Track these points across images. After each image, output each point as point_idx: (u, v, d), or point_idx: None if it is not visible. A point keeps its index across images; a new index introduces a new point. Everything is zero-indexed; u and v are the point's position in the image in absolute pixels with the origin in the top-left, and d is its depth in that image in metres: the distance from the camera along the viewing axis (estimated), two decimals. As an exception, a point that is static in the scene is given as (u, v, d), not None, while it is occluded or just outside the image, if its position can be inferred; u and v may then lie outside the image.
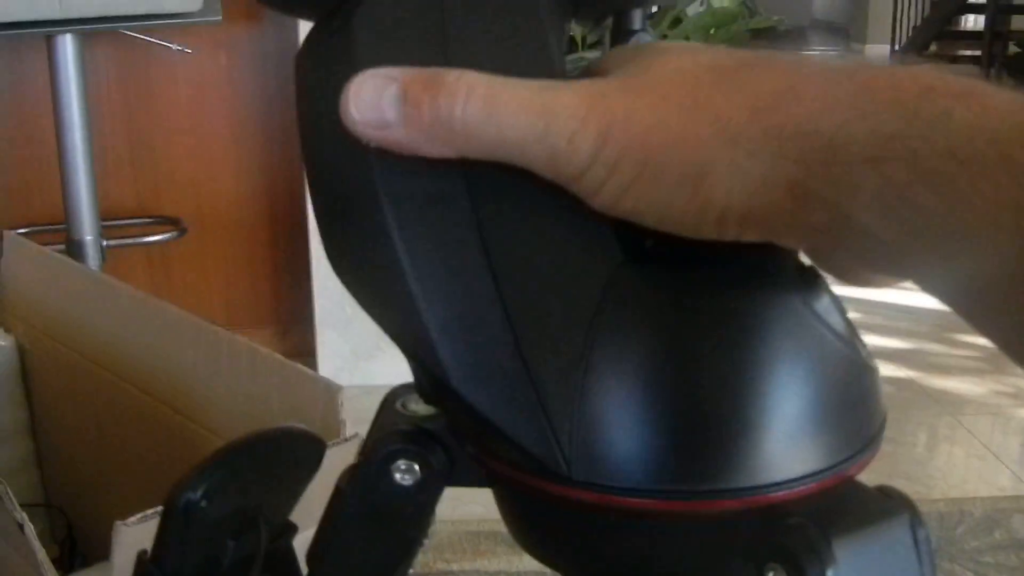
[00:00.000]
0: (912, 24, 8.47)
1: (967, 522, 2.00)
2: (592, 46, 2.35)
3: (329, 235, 0.37)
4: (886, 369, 2.66)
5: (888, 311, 2.99)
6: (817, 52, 10.46)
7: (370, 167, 0.34)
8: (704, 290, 0.34)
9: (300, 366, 0.98)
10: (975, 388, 2.65)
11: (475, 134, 0.32)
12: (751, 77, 0.32)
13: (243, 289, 2.69)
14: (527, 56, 0.35)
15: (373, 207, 0.34)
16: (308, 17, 0.39)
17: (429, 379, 0.37)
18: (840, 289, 0.37)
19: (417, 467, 0.39)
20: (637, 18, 0.41)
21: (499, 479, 0.38)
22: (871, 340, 0.37)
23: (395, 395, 0.43)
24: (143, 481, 1.22)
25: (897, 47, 8.57)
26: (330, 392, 0.93)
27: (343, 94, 0.33)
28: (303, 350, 2.59)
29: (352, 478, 0.41)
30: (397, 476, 0.39)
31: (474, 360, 0.34)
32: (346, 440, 0.87)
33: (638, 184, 0.32)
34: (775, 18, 3.27)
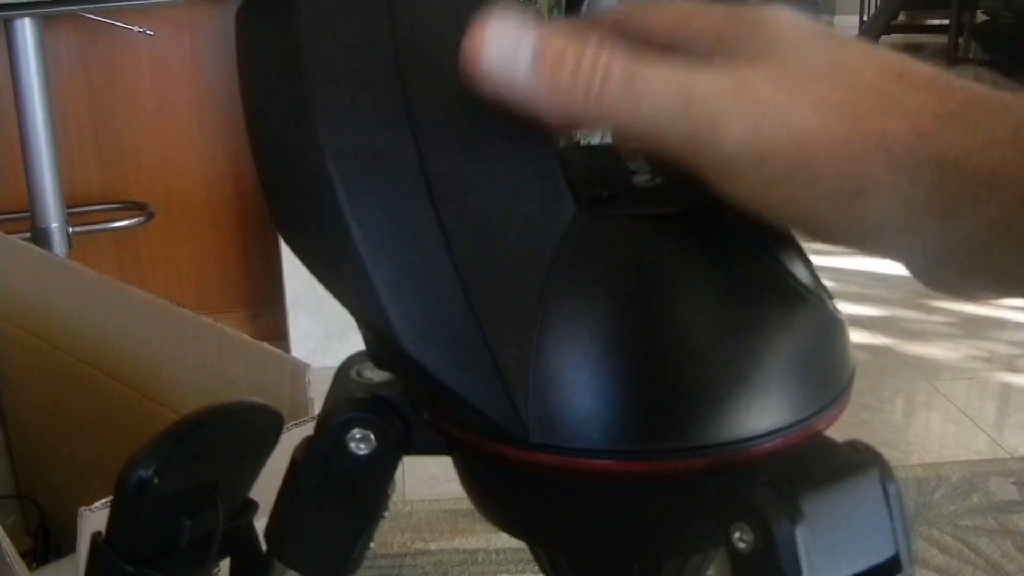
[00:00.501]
0: (880, -7, 8.49)
1: (945, 487, 2.01)
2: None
3: (273, 197, 0.35)
4: (861, 336, 2.66)
5: (862, 278, 2.99)
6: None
7: (313, 122, 0.32)
8: (663, 242, 0.33)
9: (267, 345, 0.97)
10: (950, 353, 2.66)
11: (610, 107, 0.31)
12: (912, 92, 0.31)
13: (213, 273, 2.66)
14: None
15: (316, 164, 0.32)
16: None
17: (380, 343, 0.35)
18: (813, 257, 0.36)
19: (372, 436, 0.38)
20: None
21: (457, 445, 0.37)
22: (846, 308, 0.36)
23: (350, 363, 0.42)
24: (115, 469, 1.20)
25: (866, 17, 8.58)
26: (297, 371, 0.91)
27: (470, 39, 0.31)
28: (275, 333, 2.56)
29: (307, 450, 0.40)
30: (352, 445, 0.38)
31: (425, 320, 0.33)
32: (314, 418, 0.86)
33: (787, 186, 0.30)
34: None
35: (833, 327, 0.36)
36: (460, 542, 1.79)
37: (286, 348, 2.46)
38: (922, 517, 1.89)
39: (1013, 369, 2.58)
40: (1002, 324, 2.73)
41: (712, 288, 0.33)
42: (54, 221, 2.07)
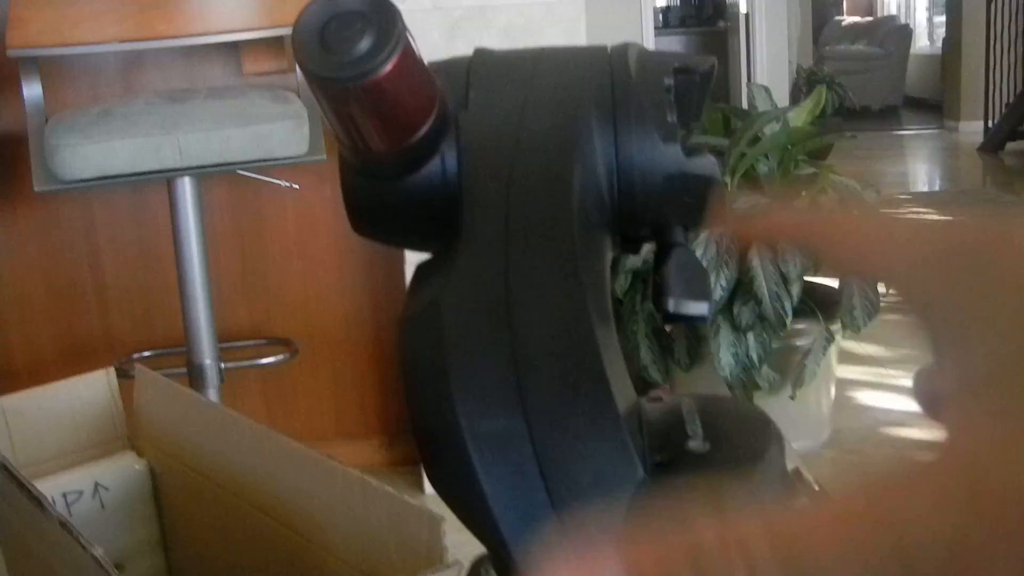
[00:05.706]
0: (1005, 100, 8.44)
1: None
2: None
3: (427, 458, 0.48)
4: None
5: None
6: (912, 130, 10.41)
7: (455, 413, 0.45)
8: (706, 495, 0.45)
9: (406, 498, 1.10)
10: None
11: None
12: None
13: (352, 403, 2.80)
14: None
15: (457, 442, 0.45)
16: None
17: (501, 561, 0.48)
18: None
19: None
20: (679, 232, 0.49)
21: None
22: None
23: (480, 563, 0.54)
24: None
25: (991, 123, 8.54)
26: (434, 522, 1.04)
27: None
28: (408, 459, 2.69)
29: None
30: None
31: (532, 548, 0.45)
32: (448, 567, 0.98)
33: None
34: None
35: None
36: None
37: (418, 474, 2.57)
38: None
39: None
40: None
41: None
42: (208, 358, 2.23)
